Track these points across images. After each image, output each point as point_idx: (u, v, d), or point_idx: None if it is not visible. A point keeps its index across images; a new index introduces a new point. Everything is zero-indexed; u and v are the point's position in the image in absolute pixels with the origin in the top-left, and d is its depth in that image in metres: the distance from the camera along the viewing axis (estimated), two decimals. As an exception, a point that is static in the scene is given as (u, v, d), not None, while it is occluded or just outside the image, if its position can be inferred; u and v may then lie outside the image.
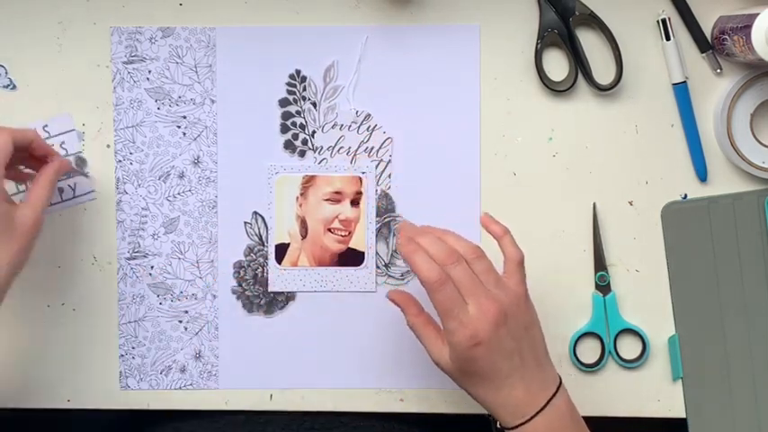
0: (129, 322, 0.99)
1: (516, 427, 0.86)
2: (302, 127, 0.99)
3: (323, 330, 0.99)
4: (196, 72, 0.98)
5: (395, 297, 0.91)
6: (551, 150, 0.98)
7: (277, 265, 0.99)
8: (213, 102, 0.98)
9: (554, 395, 0.86)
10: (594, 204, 0.98)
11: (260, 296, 0.99)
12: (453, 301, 0.84)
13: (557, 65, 0.98)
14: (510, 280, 0.87)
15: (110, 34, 0.98)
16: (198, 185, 0.99)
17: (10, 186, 0.98)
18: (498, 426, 0.88)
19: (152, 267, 0.99)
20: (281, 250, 0.99)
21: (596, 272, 0.98)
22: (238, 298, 0.99)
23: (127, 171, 0.99)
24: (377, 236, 0.99)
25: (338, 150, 0.99)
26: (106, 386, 1.00)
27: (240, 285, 0.99)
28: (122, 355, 1.00)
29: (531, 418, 0.85)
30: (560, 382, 0.88)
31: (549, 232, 0.98)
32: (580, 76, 0.97)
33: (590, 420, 0.89)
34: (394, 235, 0.98)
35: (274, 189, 0.99)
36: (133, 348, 1.00)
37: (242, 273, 0.99)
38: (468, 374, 0.86)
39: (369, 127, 0.98)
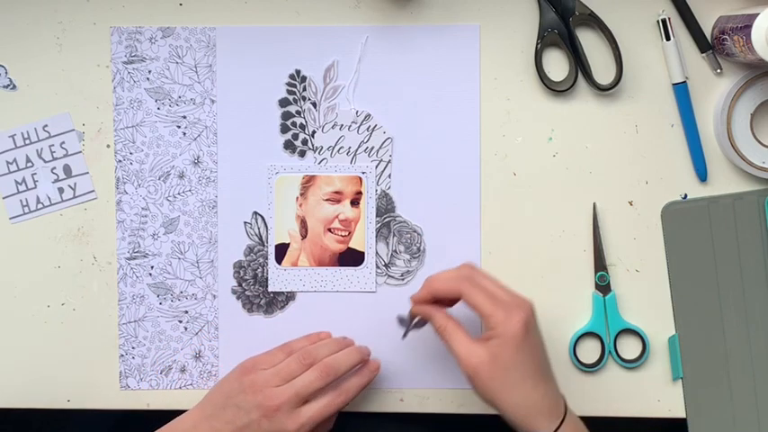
0: (129, 322, 0.99)
1: (556, 429, 0.84)
2: (302, 127, 0.99)
3: (323, 330, 0.99)
4: (196, 72, 0.98)
5: (419, 311, 0.91)
6: (551, 150, 0.98)
7: (277, 265, 0.99)
8: (213, 102, 0.98)
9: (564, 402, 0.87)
10: (594, 204, 0.98)
11: (260, 296, 0.99)
12: (491, 291, 0.85)
13: (557, 65, 0.98)
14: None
15: (110, 34, 0.98)
16: (198, 185, 0.99)
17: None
18: None
19: (152, 267, 0.99)
20: (281, 250, 0.99)
21: (596, 272, 0.98)
22: (238, 298, 0.99)
23: (127, 171, 0.99)
24: (377, 236, 0.99)
25: (338, 150, 0.99)
26: (106, 386, 1.00)
27: (240, 285, 0.99)
28: (122, 355, 1.00)
29: (564, 418, 0.85)
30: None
31: (549, 232, 0.98)
32: (580, 76, 0.97)
33: (590, 420, 0.89)
34: (394, 236, 0.98)
35: (274, 189, 0.99)
36: (133, 348, 0.99)
37: (242, 273, 0.99)
38: (510, 371, 0.83)
39: (369, 127, 0.98)
